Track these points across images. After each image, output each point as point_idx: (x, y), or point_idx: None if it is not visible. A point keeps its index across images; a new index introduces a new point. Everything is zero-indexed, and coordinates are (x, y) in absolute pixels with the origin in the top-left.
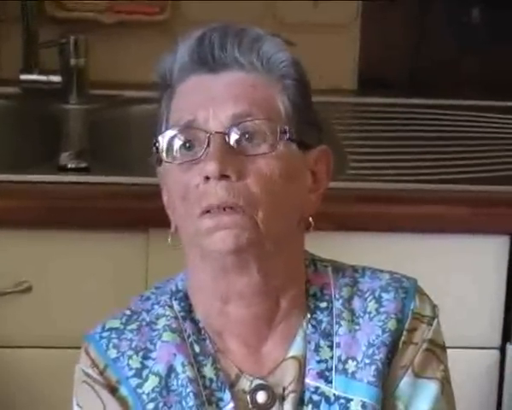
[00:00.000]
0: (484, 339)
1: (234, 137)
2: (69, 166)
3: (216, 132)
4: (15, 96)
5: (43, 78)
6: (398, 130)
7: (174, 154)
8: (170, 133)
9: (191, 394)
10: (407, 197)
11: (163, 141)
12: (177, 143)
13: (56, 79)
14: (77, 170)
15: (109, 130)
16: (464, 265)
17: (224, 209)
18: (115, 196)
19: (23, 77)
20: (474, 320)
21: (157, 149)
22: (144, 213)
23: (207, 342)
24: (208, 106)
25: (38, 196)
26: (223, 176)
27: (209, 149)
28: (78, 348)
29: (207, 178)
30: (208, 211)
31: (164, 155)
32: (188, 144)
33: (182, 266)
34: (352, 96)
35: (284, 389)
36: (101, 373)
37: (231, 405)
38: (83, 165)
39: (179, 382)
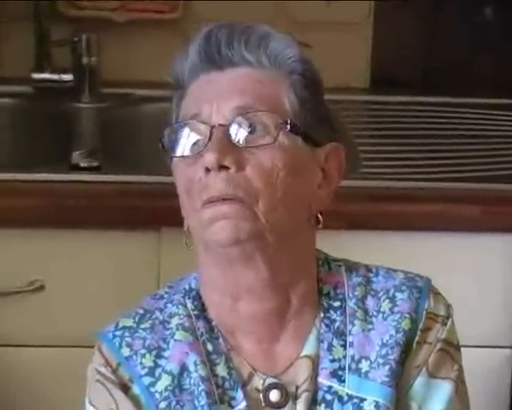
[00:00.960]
0: (496, 337)
1: (235, 129)
2: (81, 164)
3: (218, 125)
4: (27, 94)
5: (55, 76)
6: (410, 128)
7: (180, 148)
8: (174, 127)
9: (203, 393)
10: (419, 196)
11: (168, 136)
12: (182, 137)
13: (68, 77)
14: (89, 169)
15: (121, 128)
16: (472, 263)
17: (224, 200)
18: (127, 195)
19: (35, 75)
20: (486, 318)
21: (163, 144)
22: (156, 212)
23: (220, 340)
24: (213, 101)
25: (50, 195)
26: (222, 167)
27: (210, 141)
28: (89, 347)
29: (208, 170)
30: (210, 202)
31: (169, 149)
32: (192, 138)
33: (194, 265)
34: (364, 94)
35: (297, 388)
36: (114, 372)
37: (244, 404)
38: (95, 164)
39: (192, 381)
